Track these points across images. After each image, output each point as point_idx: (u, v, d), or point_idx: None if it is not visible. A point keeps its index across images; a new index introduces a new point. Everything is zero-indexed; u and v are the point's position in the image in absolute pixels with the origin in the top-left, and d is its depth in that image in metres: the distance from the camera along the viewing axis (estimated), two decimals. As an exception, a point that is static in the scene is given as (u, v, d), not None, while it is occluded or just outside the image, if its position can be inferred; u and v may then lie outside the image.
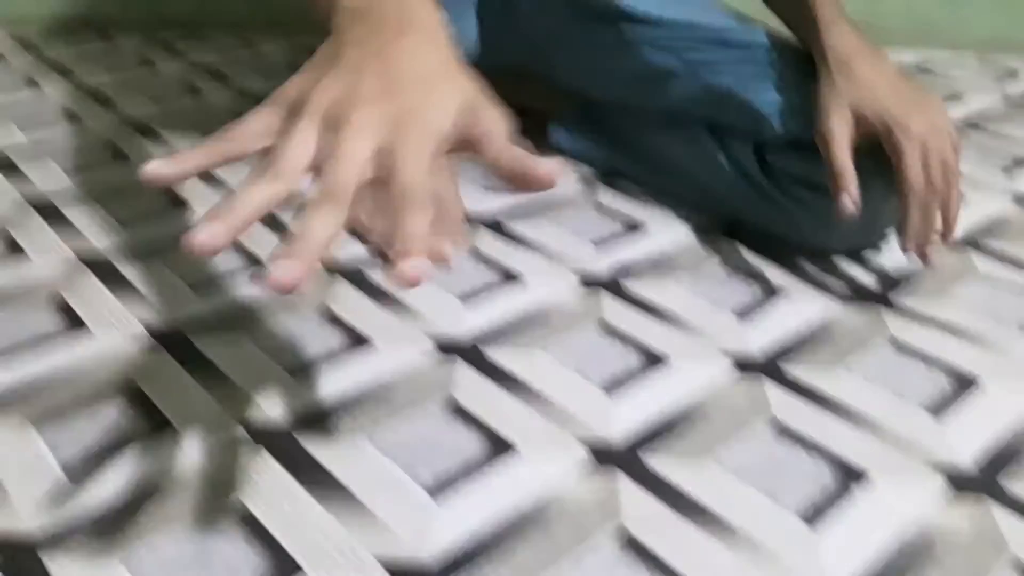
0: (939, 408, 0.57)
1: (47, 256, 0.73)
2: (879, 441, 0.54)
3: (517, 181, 0.38)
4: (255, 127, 0.38)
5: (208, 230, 0.33)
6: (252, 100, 1.08)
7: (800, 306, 0.68)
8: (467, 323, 0.65)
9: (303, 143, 0.36)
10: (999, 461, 0.53)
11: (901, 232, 0.61)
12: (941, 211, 0.61)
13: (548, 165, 0.38)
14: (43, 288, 0.69)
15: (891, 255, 0.74)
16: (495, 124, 0.39)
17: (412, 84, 0.39)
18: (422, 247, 0.34)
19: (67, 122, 1.01)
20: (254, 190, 0.35)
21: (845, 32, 0.64)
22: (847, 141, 0.59)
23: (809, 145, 0.69)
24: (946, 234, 0.62)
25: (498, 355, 0.61)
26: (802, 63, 0.73)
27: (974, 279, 0.71)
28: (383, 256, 0.73)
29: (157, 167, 0.36)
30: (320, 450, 0.52)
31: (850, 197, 0.59)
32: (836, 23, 0.65)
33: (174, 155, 0.37)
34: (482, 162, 0.39)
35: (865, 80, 0.60)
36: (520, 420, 0.55)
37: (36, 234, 0.77)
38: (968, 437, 0.54)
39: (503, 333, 0.64)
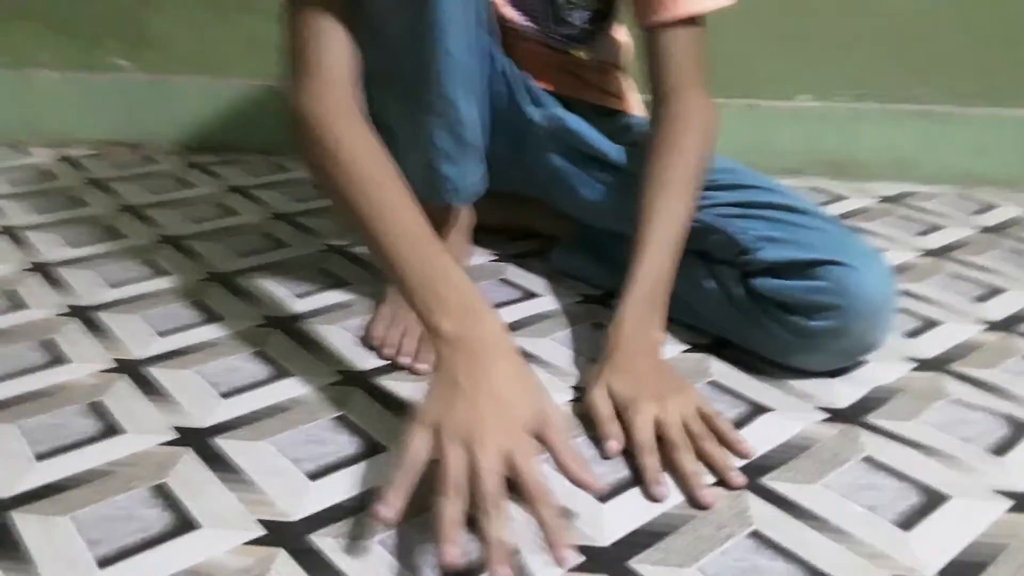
0: (908, 522, 0.61)
1: (88, 363, 0.80)
2: (852, 553, 0.58)
3: (569, 478, 0.56)
4: (417, 452, 0.55)
5: (447, 550, 0.50)
6: (282, 219, 1.17)
7: (783, 423, 0.73)
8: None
9: (459, 465, 0.53)
10: (963, 573, 0.57)
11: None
12: (703, 460, 0.66)
13: (594, 480, 0.56)
14: (83, 392, 0.75)
15: (867, 376, 0.80)
16: (559, 426, 0.57)
17: (512, 399, 0.57)
18: (565, 535, 0.51)
19: (110, 238, 1.10)
20: (451, 508, 0.52)
21: (626, 327, 0.74)
22: (607, 409, 0.70)
23: (788, 271, 0.77)
24: (727, 477, 0.65)
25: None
26: (778, 197, 0.81)
27: (945, 401, 0.77)
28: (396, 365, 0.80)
29: (387, 515, 0.52)
30: (335, 552, 0.57)
31: (616, 442, 0.68)
32: (628, 319, 0.75)
33: (386, 501, 0.53)
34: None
35: (620, 368, 0.72)
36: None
37: (77, 341, 0.84)
38: (935, 550, 0.58)
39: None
